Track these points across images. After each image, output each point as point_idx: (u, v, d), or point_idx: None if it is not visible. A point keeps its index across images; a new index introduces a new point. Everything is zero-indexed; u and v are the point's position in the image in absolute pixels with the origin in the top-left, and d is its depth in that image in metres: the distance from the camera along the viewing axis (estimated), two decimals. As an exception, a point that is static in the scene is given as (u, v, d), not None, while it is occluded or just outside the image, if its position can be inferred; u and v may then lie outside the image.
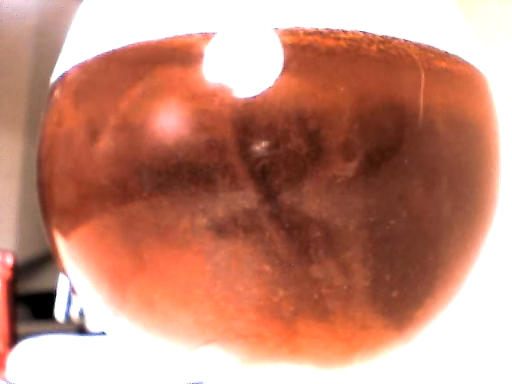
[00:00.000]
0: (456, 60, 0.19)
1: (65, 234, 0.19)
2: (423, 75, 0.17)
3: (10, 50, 0.74)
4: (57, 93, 0.20)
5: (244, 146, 0.16)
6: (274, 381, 0.19)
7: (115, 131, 0.18)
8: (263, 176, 0.16)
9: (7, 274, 0.59)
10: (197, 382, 0.20)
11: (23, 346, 0.55)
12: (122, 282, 0.18)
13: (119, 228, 0.18)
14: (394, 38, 0.17)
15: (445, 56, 0.18)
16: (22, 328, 0.60)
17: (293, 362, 0.18)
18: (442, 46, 0.18)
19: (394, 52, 0.17)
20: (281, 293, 0.17)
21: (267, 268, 0.17)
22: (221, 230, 0.17)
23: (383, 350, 0.19)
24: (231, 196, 0.16)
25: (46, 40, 0.72)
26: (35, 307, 0.69)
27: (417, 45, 0.18)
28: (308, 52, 0.17)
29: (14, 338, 0.58)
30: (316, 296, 0.17)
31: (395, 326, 0.19)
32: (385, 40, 0.17)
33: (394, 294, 0.18)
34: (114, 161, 0.17)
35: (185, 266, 0.17)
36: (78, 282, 0.20)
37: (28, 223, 0.69)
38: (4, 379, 0.54)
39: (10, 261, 0.59)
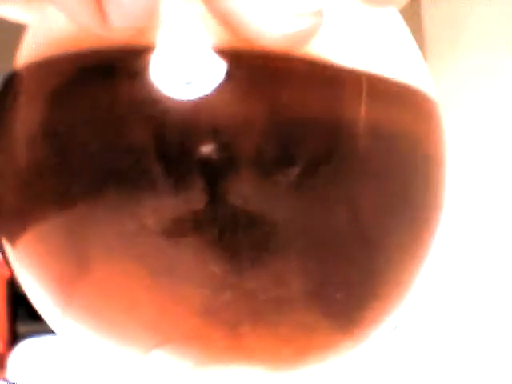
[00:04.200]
0: (386, 81, 0.19)
1: (9, 237, 0.19)
2: (354, 93, 0.18)
3: (9, 49, 0.74)
4: (7, 89, 0.20)
5: (165, 149, 0.17)
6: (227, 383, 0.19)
7: (49, 137, 0.18)
8: (185, 180, 0.17)
9: (7, 273, 0.59)
10: None
11: (23, 345, 0.55)
12: (67, 286, 0.18)
13: (61, 234, 0.18)
14: (315, 58, 0.18)
15: (379, 77, 0.19)
16: (21, 328, 0.60)
17: (242, 364, 0.18)
18: (380, 66, 0.19)
19: (326, 72, 0.18)
20: (223, 297, 0.17)
21: (207, 272, 0.17)
22: (158, 234, 0.17)
23: (332, 353, 0.19)
24: (157, 201, 0.17)
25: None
26: (35, 307, 0.69)
27: (341, 66, 0.18)
28: (243, 66, 0.17)
29: (14, 338, 0.58)
30: (257, 301, 0.17)
31: (341, 328, 0.19)
32: (315, 60, 0.18)
33: (337, 296, 0.18)
34: (50, 167, 0.18)
35: (126, 271, 0.18)
36: (26, 284, 0.20)
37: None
38: (4, 379, 0.54)
39: (9, 261, 0.59)
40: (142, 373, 0.19)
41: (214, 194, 0.17)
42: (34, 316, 0.72)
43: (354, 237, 0.18)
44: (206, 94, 0.17)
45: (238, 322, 0.18)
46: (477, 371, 0.53)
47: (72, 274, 0.18)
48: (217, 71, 0.17)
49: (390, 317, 0.19)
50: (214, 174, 0.17)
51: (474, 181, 0.54)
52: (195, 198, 0.17)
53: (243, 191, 0.17)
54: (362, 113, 0.18)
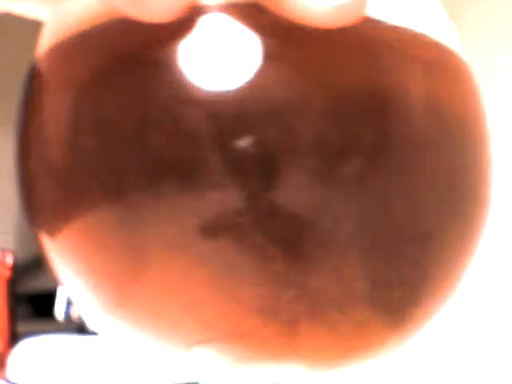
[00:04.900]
0: (443, 50, 0.18)
1: (52, 234, 0.19)
2: (409, 65, 0.17)
3: (9, 50, 0.74)
4: (32, 83, 0.20)
5: (222, 142, 0.16)
6: (267, 380, 0.19)
7: (96, 130, 0.17)
8: (245, 174, 0.16)
9: (7, 273, 0.59)
10: (192, 381, 0.20)
11: (23, 345, 0.55)
12: (121, 285, 0.18)
13: (115, 232, 0.17)
14: (378, 22, 0.17)
15: (432, 45, 0.18)
16: (21, 327, 0.60)
17: (293, 362, 0.18)
18: (428, 33, 0.18)
19: (377, 38, 0.17)
20: (284, 296, 0.17)
21: (268, 271, 0.17)
22: (211, 232, 0.17)
23: (380, 350, 0.19)
24: (216, 196, 0.16)
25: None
26: (35, 307, 0.69)
27: (404, 31, 0.17)
28: (284, 42, 0.16)
29: (14, 338, 0.58)
30: (318, 300, 0.17)
31: (393, 326, 0.19)
32: (368, 23, 0.17)
33: (395, 295, 0.18)
34: (96, 161, 0.17)
35: (185, 270, 0.17)
36: (69, 283, 0.20)
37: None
38: (4, 378, 0.54)
39: (9, 260, 0.59)
40: (183, 369, 0.19)
41: (274, 189, 0.16)
42: (34, 316, 0.73)
43: (414, 233, 0.18)
44: (251, 77, 0.16)
45: (295, 320, 0.17)
46: (477, 371, 0.53)
47: (128, 273, 0.18)
48: (260, 53, 0.16)
49: (437, 313, 0.19)
50: (273, 167, 0.16)
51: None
52: (254, 194, 0.16)
53: (305, 184, 0.16)
54: (422, 89, 0.17)
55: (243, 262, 0.17)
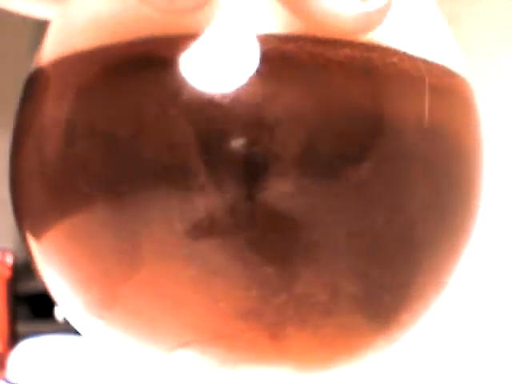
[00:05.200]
0: (441, 71, 0.19)
1: (41, 236, 0.19)
2: (403, 86, 0.17)
3: (9, 49, 0.74)
4: (34, 87, 0.20)
5: (207, 147, 0.16)
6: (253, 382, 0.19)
7: (90, 135, 0.17)
8: (228, 178, 0.16)
9: (7, 273, 0.59)
10: None
11: (23, 346, 0.55)
12: (112, 285, 0.18)
13: (108, 234, 0.17)
14: (375, 46, 0.17)
15: (430, 66, 0.18)
16: (21, 328, 0.60)
17: (278, 365, 0.18)
18: (427, 55, 0.18)
19: (374, 61, 0.17)
20: (273, 300, 0.17)
21: (258, 275, 0.17)
22: (197, 235, 0.17)
23: (366, 353, 0.19)
24: (201, 200, 0.16)
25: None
26: (35, 307, 0.69)
27: (401, 54, 0.17)
28: (281, 58, 0.16)
29: (14, 338, 0.58)
30: (306, 304, 0.17)
31: (380, 329, 0.19)
32: (365, 46, 0.17)
33: (383, 299, 0.18)
34: (88, 165, 0.17)
35: (176, 271, 0.17)
36: (54, 285, 0.20)
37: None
38: (4, 379, 0.54)
39: (9, 260, 0.59)
40: (167, 372, 0.19)
41: (258, 194, 0.16)
42: (34, 316, 0.72)
43: (403, 238, 0.18)
44: (250, 83, 0.16)
45: (282, 324, 0.17)
46: (477, 371, 0.53)
47: (117, 275, 0.18)
48: (257, 58, 0.16)
49: (423, 317, 0.20)
50: (261, 171, 0.16)
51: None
52: (238, 198, 0.16)
53: (290, 190, 0.16)
54: (424, 106, 0.17)
55: (229, 265, 0.17)
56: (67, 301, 0.19)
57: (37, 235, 0.19)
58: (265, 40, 0.16)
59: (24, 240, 0.20)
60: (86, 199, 0.17)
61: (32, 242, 0.19)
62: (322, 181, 0.16)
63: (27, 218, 0.19)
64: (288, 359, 0.18)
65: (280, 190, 0.16)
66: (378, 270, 0.18)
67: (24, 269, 0.66)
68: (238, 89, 0.16)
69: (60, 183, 0.18)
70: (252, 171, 0.16)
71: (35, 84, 0.19)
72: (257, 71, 0.16)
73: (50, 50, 0.19)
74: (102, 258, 0.18)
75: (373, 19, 0.16)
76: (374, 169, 0.17)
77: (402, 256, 0.18)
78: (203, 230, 0.16)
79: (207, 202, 0.16)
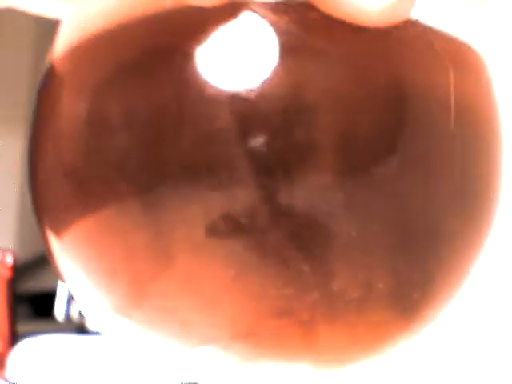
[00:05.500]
0: (462, 45, 0.18)
1: (62, 233, 0.19)
2: (433, 60, 0.17)
3: (9, 48, 0.74)
4: (52, 81, 0.19)
5: (243, 140, 0.16)
6: (272, 380, 0.19)
7: (122, 128, 0.17)
8: (265, 171, 0.16)
9: (7, 273, 0.59)
10: (193, 382, 0.20)
11: (23, 345, 0.55)
12: (142, 283, 0.18)
13: (142, 230, 0.17)
14: (406, 24, 0.17)
15: (452, 40, 0.18)
16: (21, 328, 0.60)
17: (308, 362, 0.18)
18: (448, 29, 0.18)
19: (401, 35, 0.17)
20: (308, 297, 0.17)
21: (294, 272, 0.17)
22: (232, 231, 0.16)
23: (389, 348, 0.19)
24: (237, 195, 0.16)
25: (47, 38, 0.71)
26: (35, 307, 0.69)
27: (430, 29, 0.17)
28: (307, 38, 0.16)
29: (13, 338, 0.58)
30: (340, 301, 0.17)
31: (408, 324, 0.19)
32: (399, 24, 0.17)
33: (414, 296, 0.18)
34: (121, 158, 0.17)
35: (211, 270, 0.17)
36: (75, 283, 0.19)
37: (28, 223, 0.69)
38: (4, 379, 0.54)
39: (9, 260, 0.59)
40: (186, 369, 0.19)
41: (294, 189, 0.16)
42: (34, 316, 0.73)
43: (431, 234, 0.18)
44: (273, 76, 0.16)
45: (315, 321, 0.17)
46: (477, 371, 0.53)
47: (149, 272, 0.17)
48: (277, 49, 0.16)
49: (445, 310, 0.20)
50: (292, 166, 0.16)
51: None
52: (274, 193, 0.16)
53: (325, 185, 0.16)
54: (451, 88, 0.17)
55: (264, 263, 0.17)
56: (90, 300, 0.19)
57: (60, 232, 0.19)
58: (288, 29, 0.16)
59: (43, 238, 0.20)
60: (118, 194, 0.17)
61: (53, 239, 0.19)
62: (359, 173, 0.16)
63: (49, 214, 0.19)
64: (314, 356, 0.18)
65: (316, 184, 0.16)
66: (409, 265, 0.17)
67: (24, 269, 0.66)
68: (263, 81, 0.16)
69: (88, 178, 0.17)
70: (287, 165, 0.16)
71: (53, 78, 0.19)
72: (284, 62, 0.16)
73: (67, 42, 0.19)
74: (132, 255, 0.17)
75: (398, 11, 0.16)
76: (409, 158, 0.16)
77: (432, 250, 0.18)
78: (237, 227, 0.16)
79: (238, 198, 0.16)
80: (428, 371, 0.53)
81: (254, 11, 0.16)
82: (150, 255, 0.17)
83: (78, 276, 0.19)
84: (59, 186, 0.18)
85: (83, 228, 0.18)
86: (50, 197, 0.19)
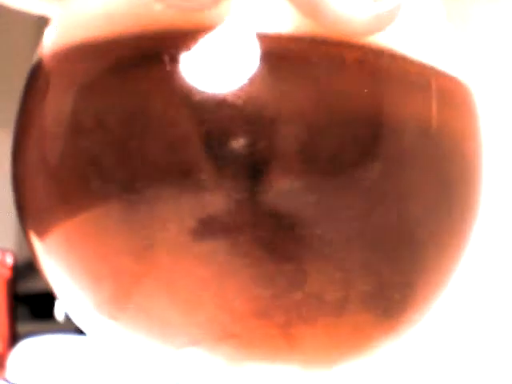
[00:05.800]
0: (440, 74, 0.19)
1: (45, 235, 0.19)
2: (403, 88, 0.17)
3: (8, 48, 0.74)
4: (37, 81, 0.19)
5: (209, 145, 0.16)
6: (260, 381, 0.19)
7: (98, 129, 0.17)
8: (233, 177, 0.16)
9: (7, 273, 0.59)
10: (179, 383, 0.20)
11: (23, 345, 0.55)
12: (126, 283, 0.18)
13: (123, 230, 0.17)
14: (382, 48, 0.17)
15: (428, 70, 0.18)
16: (21, 328, 0.60)
17: (287, 363, 0.18)
18: (431, 59, 0.18)
19: (379, 64, 0.17)
20: (291, 297, 0.17)
21: (277, 272, 0.17)
22: (207, 233, 0.17)
23: (374, 350, 0.19)
24: (208, 198, 0.16)
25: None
26: (35, 307, 0.69)
27: (406, 57, 0.18)
28: (284, 55, 0.17)
29: (13, 338, 0.58)
30: (321, 302, 0.17)
31: (390, 326, 0.19)
32: (371, 49, 0.17)
33: (395, 297, 0.18)
34: (98, 160, 0.17)
35: (191, 269, 0.17)
36: (60, 285, 0.20)
37: (28, 223, 0.69)
38: (4, 379, 0.54)
39: (9, 260, 0.59)
40: (175, 369, 0.19)
41: (270, 191, 0.16)
42: (34, 316, 0.72)
43: (410, 236, 0.18)
44: (255, 81, 0.16)
45: (296, 322, 0.17)
46: (477, 371, 0.53)
47: (132, 273, 0.18)
48: (258, 57, 0.16)
49: (425, 315, 0.20)
50: (267, 170, 0.16)
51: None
52: (251, 195, 0.16)
53: (296, 189, 0.16)
54: (427, 109, 0.17)
55: (242, 264, 0.17)
56: (75, 301, 0.19)
57: (43, 234, 0.19)
58: (273, 39, 0.16)
59: (27, 239, 0.20)
60: (98, 196, 0.17)
61: (37, 242, 0.19)
62: (326, 178, 0.17)
63: (32, 216, 0.19)
64: (298, 357, 0.18)
65: (285, 188, 0.16)
66: (388, 266, 0.18)
67: (24, 269, 0.66)
68: (242, 87, 0.16)
69: (69, 180, 0.18)
70: (258, 170, 0.16)
71: (38, 78, 0.19)
72: (264, 70, 0.16)
73: (55, 42, 0.19)
74: (114, 256, 0.18)
75: (383, 20, 0.16)
76: (376, 168, 0.17)
77: (409, 254, 0.18)
78: (213, 228, 0.16)
79: (216, 200, 0.16)
80: (423, 371, 0.53)
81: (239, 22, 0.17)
82: (132, 257, 0.18)
83: (61, 277, 0.19)
84: (41, 186, 0.18)
85: (65, 229, 0.18)
86: (33, 197, 0.19)
